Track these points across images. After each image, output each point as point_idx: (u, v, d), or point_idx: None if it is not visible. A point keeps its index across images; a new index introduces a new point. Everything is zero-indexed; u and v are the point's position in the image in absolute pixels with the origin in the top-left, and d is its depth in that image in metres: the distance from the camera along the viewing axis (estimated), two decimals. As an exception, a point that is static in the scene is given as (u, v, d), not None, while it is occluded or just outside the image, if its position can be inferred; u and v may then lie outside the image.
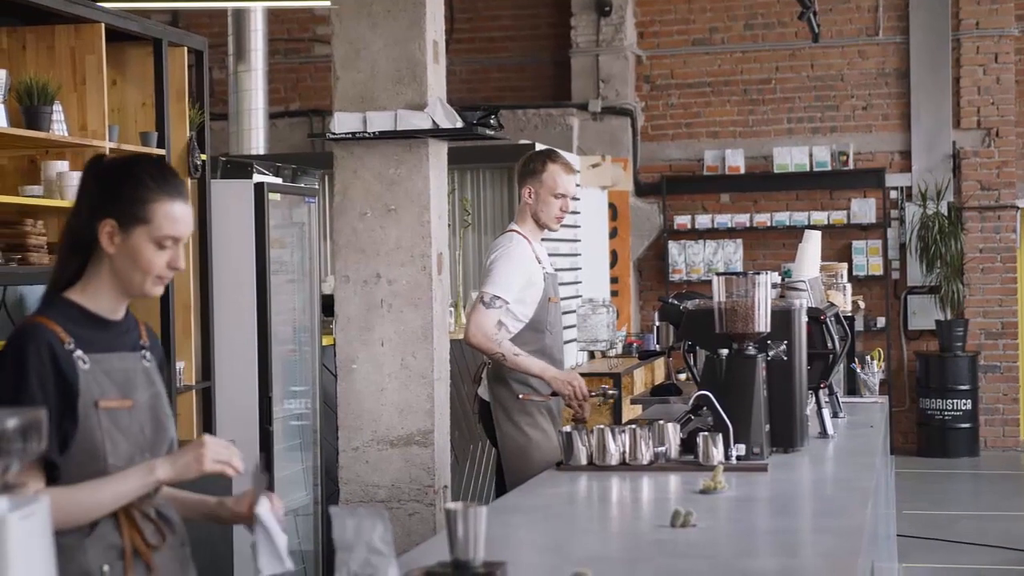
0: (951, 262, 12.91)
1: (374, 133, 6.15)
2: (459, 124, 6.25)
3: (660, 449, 4.49)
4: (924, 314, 13.25)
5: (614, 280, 12.95)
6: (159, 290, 2.92)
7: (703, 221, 13.55)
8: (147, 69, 5.88)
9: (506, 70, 14.27)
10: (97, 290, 2.89)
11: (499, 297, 5.52)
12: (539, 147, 10.43)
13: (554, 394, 5.59)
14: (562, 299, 6.35)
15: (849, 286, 7.20)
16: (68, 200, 5.23)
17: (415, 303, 6.20)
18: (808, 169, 13.36)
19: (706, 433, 4.44)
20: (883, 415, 6.22)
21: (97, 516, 2.80)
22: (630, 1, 13.66)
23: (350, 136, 6.17)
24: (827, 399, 5.40)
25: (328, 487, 7.51)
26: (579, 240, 10.80)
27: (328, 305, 7.73)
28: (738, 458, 4.46)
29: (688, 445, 4.58)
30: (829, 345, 5.28)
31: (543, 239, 5.92)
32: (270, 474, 6.18)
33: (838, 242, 13.17)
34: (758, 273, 4.64)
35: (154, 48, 5.79)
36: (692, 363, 5.16)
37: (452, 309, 8.19)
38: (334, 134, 6.20)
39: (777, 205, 13.54)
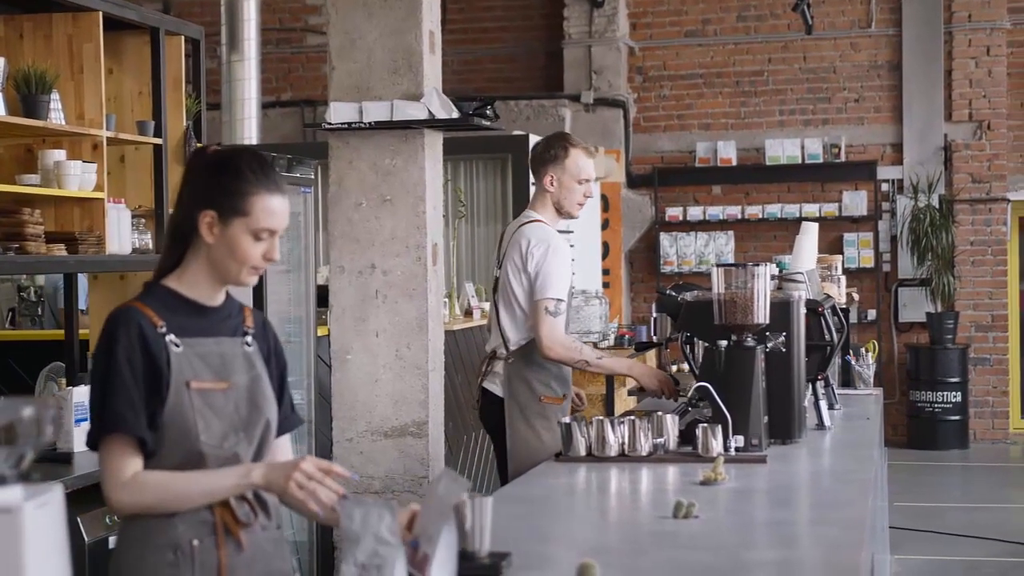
0: (942, 255, 12.92)
1: (370, 123, 6.14)
2: (455, 114, 6.24)
3: (659, 440, 4.50)
4: (915, 306, 13.27)
5: (605, 272, 12.95)
6: (253, 280, 2.98)
7: (695, 213, 13.55)
8: (143, 58, 5.86)
9: (498, 61, 14.26)
10: (195, 277, 2.97)
11: (562, 300, 5.29)
12: (533, 138, 10.44)
13: (565, 396, 5.47)
14: None
15: (843, 278, 7.20)
16: (66, 189, 5.22)
17: (410, 294, 6.19)
18: (800, 161, 13.38)
19: (705, 425, 4.45)
20: (878, 407, 6.24)
21: (188, 507, 2.87)
22: (623, -8, 13.67)
23: (346, 126, 6.16)
24: (824, 391, 5.41)
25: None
26: (571, 231, 10.79)
27: (323, 295, 7.73)
28: (737, 449, 4.46)
29: (686, 436, 4.58)
30: (827, 337, 5.28)
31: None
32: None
33: (829, 234, 13.17)
34: (757, 265, 4.64)
35: (151, 37, 5.77)
36: (690, 354, 5.17)
37: (446, 300, 8.18)
38: (330, 124, 6.19)
39: (769, 197, 13.54)
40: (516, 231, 5.50)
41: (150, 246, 5.72)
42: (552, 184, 5.47)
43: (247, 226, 2.91)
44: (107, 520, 4.59)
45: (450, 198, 9.86)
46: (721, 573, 2.97)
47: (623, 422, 4.47)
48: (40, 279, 8.53)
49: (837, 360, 6.41)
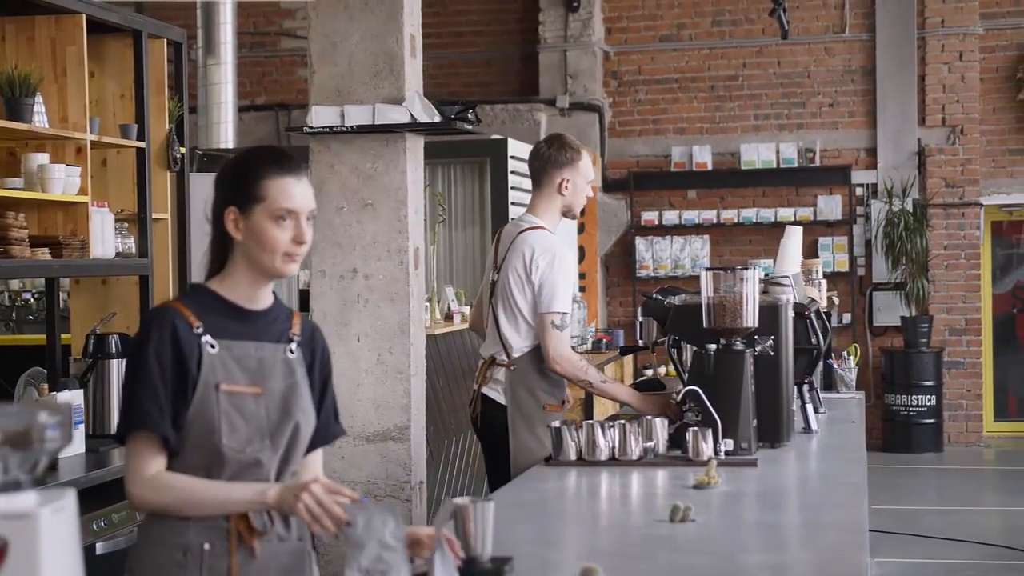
0: (916, 259, 12.98)
1: (352, 127, 6.12)
2: (437, 118, 6.23)
3: (648, 444, 4.49)
4: (889, 310, 13.32)
5: (581, 276, 12.96)
6: (293, 268, 2.95)
7: (670, 217, 13.57)
8: (125, 61, 5.82)
9: (473, 65, 14.25)
10: (235, 280, 2.96)
11: (566, 314, 5.18)
12: (512, 142, 10.44)
13: (564, 403, 5.43)
14: None
15: (824, 282, 7.22)
16: (49, 193, 5.18)
17: (392, 298, 6.18)
18: (775, 166, 13.42)
19: (695, 429, 4.44)
20: (861, 410, 6.25)
21: (203, 514, 2.87)
22: (598, -3, 13.68)
23: (328, 130, 6.14)
24: (809, 395, 5.41)
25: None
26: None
27: (304, 300, 7.69)
28: (727, 453, 4.46)
29: (674, 440, 4.58)
30: (813, 341, 5.29)
31: None
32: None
33: (805, 239, 13.16)
34: (746, 268, 4.65)
35: (134, 40, 5.74)
36: (676, 358, 5.17)
37: (427, 304, 8.16)
38: (311, 128, 6.17)
39: (744, 202, 13.58)
40: (517, 237, 5.33)
41: (133, 250, 5.68)
42: (566, 187, 5.33)
43: (267, 211, 2.90)
44: (94, 526, 4.55)
45: (428, 202, 9.84)
46: (724, 575, 2.97)
47: (613, 426, 4.47)
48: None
49: (819, 364, 6.41)
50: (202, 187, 6.67)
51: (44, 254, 5.06)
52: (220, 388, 2.88)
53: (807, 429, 5.27)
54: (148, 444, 2.86)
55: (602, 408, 9.78)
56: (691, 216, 13.55)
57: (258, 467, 2.92)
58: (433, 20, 14.13)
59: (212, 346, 2.89)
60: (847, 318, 13.25)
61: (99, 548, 4.53)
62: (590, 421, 4.50)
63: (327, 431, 3.10)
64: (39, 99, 5.13)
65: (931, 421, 12.97)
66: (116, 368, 5.59)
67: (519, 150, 10.26)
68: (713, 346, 4.62)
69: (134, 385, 2.86)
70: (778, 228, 13.20)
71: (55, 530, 1.77)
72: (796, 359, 5.08)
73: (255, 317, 2.98)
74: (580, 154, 5.37)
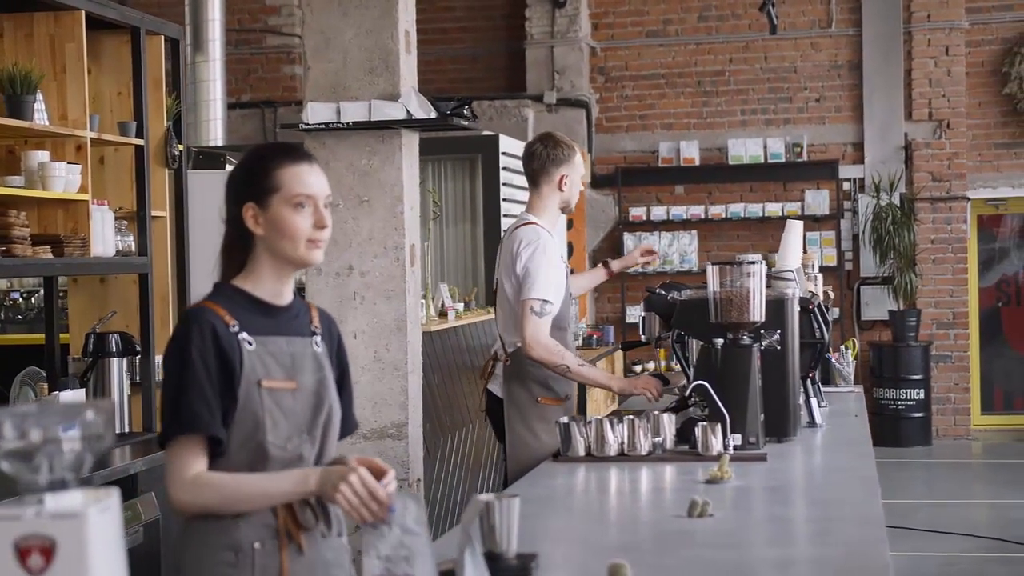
0: (903, 253, 13.00)
1: (348, 124, 6.09)
2: (433, 114, 6.21)
3: (657, 440, 4.48)
4: (877, 304, 13.35)
5: (570, 272, 12.92)
6: (318, 255, 2.93)
7: (658, 213, 13.57)
8: (122, 58, 5.78)
9: (460, 61, 14.22)
10: (259, 276, 2.94)
11: (548, 301, 5.21)
12: (502, 139, 10.42)
13: (566, 398, 5.46)
14: None
15: (820, 276, 7.22)
16: (50, 191, 5.14)
17: (388, 295, 6.16)
18: (762, 161, 13.44)
19: (704, 423, 4.44)
20: (860, 404, 6.25)
21: (247, 509, 2.85)
22: (584, -8, 13.66)
23: (322, 127, 6.11)
24: (813, 388, 5.41)
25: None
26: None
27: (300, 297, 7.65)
28: (735, 448, 4.45)
29: (681, 435, 4.58)
30: (817, 334, 5.29)
31: None
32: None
33: (792, 233, 13.20)
34: (753, 262, 4.64)
35: (132, 36, 5.70)
36: (681, 353, 5.16)
37: (423, 301, 8.14)
38: (307, 124, 6.14)
39: (731, 197, 13.58)
40: (510, 234, 5.44)
41: (132, 248, 5.65)
42: (564, 184, 5.41)
43: (284, 200, 2.89)
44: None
45: (421, 199, 9.81)
46: (752, 570, 2.96)
47: (622, 421, 4.46)
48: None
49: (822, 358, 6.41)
50: (199, 185, 6.65)
51: (45, 253, 5.02)
52: (262, 385, 2.86)
53: (812, 423, 5.27)
54: (192, 446, 2.83)
55: (594, 405, 9.77)
56: (679, 212, 13.55)
57: (300, 462, 2.90)
58: (419, 16, 13.97)
59: (249, 343, 2.88)
60: (835, 312, 13.26)
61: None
62: (599, 417, 4.49)
63: (348, 423, 3.10)
64: (39, 96, 5.10)
65: (920, 415, 12.99)
66: (116, 367, 5.56)
67: (511, 146, 10.23)
68: (720, 340, 4.62)
69: (180, 387, 2.83)
70: (766, 223, 13.27)
71: (102, 529, 1.76)
72: (801, 353, 5.08)
73: (281, 312, 2.97)
74: (574, 150, 5.48)
